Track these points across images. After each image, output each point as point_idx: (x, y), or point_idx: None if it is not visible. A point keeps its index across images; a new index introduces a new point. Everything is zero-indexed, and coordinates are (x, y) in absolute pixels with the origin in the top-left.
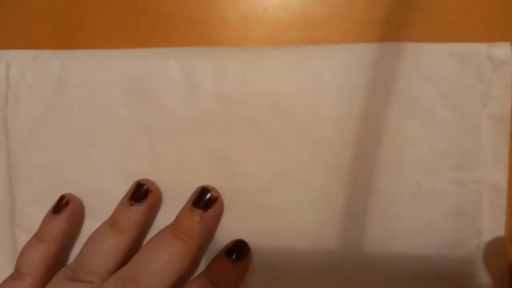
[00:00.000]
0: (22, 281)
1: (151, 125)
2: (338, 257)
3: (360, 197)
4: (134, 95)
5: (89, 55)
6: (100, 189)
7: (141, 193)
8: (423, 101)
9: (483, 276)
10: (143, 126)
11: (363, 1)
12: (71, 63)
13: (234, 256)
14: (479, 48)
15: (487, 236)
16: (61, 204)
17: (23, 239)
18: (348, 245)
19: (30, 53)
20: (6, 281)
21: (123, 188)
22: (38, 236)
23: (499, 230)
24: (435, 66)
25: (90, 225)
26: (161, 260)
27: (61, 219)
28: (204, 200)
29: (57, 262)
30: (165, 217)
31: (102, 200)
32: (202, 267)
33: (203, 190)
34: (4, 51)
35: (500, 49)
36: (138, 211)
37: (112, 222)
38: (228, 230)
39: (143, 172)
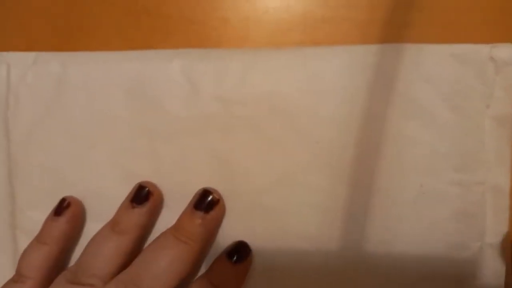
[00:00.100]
0: (23, 284)
1: (151, 127)
2: (339, 258)
3: (361, 198)
4: (134, 97)
5: (89, 57)
6: (100, 191)
7: (142, 195)
8: (424, 102)
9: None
10: (144, 128)
11: (364, 2)
12: (71, 64)
13: (235, 258)
14: (481, 49)
15: (490, 238)
16: (62, 206)
17: (23, 241)
18: (349, 246)
19: (30, 55)
20: (7, 284)
21: (124, 189)
22: (39, 239)
23: (502, 232)
24: (436, 67)
25: (90, 228)
26: (163, 262)
27: (62, 222)
28: (206, 203)
29: (58, 265)
30: (166, 219)
31: (103, 202)
32: (203, 269)
33: (205, 193)
34: (4, 53)
35: (503, 50)
36: (139, 213)
37: (113, 225)
38: (229, 231)
39: (144, 174)
